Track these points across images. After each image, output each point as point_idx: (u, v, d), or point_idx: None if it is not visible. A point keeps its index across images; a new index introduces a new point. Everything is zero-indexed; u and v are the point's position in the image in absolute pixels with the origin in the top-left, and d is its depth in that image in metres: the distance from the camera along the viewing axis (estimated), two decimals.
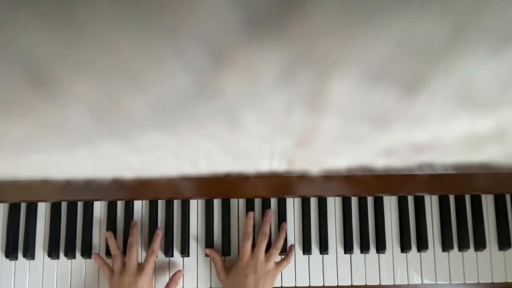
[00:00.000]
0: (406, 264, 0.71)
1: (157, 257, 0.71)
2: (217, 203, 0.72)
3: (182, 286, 0.70)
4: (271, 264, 0.67)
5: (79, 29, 0.11)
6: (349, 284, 0.70)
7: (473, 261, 0.71)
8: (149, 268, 0.66)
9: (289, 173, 0.66)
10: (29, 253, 0.70)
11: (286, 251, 0.71)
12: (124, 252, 0.68)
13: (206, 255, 0.71)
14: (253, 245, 0.68)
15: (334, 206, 0.72)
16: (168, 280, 0.70)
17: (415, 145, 0.28)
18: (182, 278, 0.70)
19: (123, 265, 0.66)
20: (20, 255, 0.70)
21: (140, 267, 0.66)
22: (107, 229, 0.71)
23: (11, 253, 0.70)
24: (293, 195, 0.72)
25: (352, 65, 0.15)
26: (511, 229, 0.72)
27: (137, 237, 0.68)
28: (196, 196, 0.72)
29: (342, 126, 0.23)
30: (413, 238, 0.71)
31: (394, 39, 0.14)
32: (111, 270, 0.67)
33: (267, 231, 0.68)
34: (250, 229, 0.68)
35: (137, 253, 0.67)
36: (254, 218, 0.70)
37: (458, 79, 0.17)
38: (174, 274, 0.69)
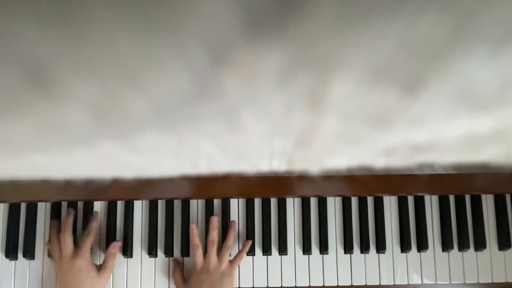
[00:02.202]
0: (406, 264, 0.71)
1: (157, 256, 0.71)
2: (217, 203, 0.72)
3: None
4: (225, 264, 0.66)
5: (78, 29, 0.11)
6: (349, 284, 0.70)
7: (473, 261, 0.71)
8: (85, 250, 0.65)
9: (289, 173, 0.66)
10: (29, 253, 0.70)
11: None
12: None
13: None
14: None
15: (334, 206, 0.72)
16: (167, 281, 0.70)
17: (415, 145, 0.28)
18: (181, 275, 0.70)
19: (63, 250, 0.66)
20: (20, 255, 0.70)
21: (76, 249, 0.65)
22: (107, 229, 0.71)
23: (11, 253, 0.70)
24: (293, 195, 0.72)
25: (352, 65, 0.15)
26: (511, 229, 0.72)
27: (71, 225, 0.68)
28: (196, 196, 0.72)
29: (342, 126, 0.23)
30: (413, 238, 0.71)
31: (394, 39, 0.14)
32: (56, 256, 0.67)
33: (214, 238, 0.67)
34: (196, 240, 0.67)
35: (72, 239, 0.66)
36: (217, 226, 0.70)
37: (458, 79, 0.17)
38: (109, 246, 0.68)
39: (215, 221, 0.69)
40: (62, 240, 0.65)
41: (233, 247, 0.70)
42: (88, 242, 0.66)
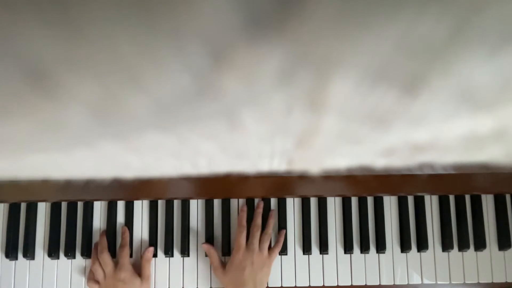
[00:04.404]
0: (406, 264, 0.71)
1: (157, 256, 0.71)
2: (217, 203, 0.73)
3: (182, 286, 0.70)
4: (265, 254, 0.67)
5: (79, 30, 0.11)
6: (349, 284, 0.70)
7: (473, 261, 0.71)
8: (125, 262, 0.67)
9: (289, 173, 0.66)
10: (29, 253, 0.70)
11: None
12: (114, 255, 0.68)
13: (206, 255, 0.71)
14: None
15: (334, 206, 0.72)
16: (167, 281, 0.70)
17: (415, 145, 0.28)
18: (182, 278, 0.70)
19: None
20: (20, 255, 0.70)
21: (117, 264, 0.67)
22: (107, 229, 0.71)
23: (11, 253, 0.70)
24: (293, 195, 0.72)
25: (352, 65, 0.15)
26: (511, 229, 0.72)
27: (106, 244, 0.69)
28: (196, 196, 0.72)
29: (342, 126, 0.23)
30: (413, 238, 0.71)
31: (394, 40, 0.14)
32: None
33: (259, 223, 0.69)
34: (244, 222, 0.69)
35: (109, 256, 0.68)
36: (247, 212, 0.71)
37: (458, 79, 0.17)
38: (144, 253, 0.69)
39: (261, 206, 0.70)
40: (101, 259, 0.67)
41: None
42: (125, 254, 0.68)
